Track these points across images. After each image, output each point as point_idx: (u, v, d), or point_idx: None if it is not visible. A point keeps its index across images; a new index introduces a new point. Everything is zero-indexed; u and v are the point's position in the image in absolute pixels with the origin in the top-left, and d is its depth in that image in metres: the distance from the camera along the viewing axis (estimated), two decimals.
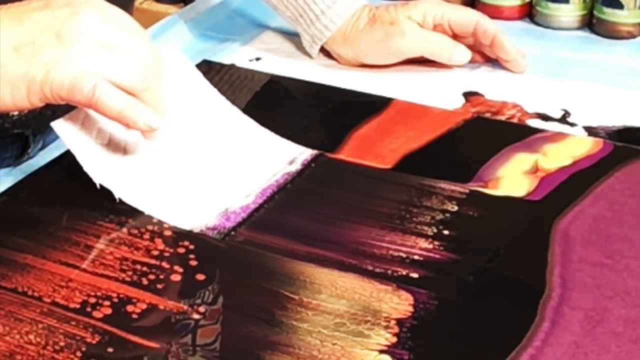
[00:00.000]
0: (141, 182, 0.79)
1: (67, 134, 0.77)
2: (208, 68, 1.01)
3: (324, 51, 1.04)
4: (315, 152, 0.86)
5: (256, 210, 0.79)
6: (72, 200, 0.79)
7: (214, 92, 0.87)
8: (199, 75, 0.87)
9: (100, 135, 0.78)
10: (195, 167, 0.81)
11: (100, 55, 0.72)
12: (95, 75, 0.71)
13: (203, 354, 0.64)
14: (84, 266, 0.72)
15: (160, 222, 0.77)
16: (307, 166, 0.84)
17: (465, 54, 1.01)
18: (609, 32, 1.10)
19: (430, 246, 0.74)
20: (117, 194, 0.77)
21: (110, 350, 0.64)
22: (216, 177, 0.81)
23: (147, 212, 0.77)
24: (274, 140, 0.86)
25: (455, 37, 1.01)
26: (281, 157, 0.85)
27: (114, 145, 0.79)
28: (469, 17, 1.01)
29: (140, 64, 0.73)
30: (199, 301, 0.69)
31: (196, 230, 0.76)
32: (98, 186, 0.77)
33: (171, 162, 0.81)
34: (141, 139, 0.77)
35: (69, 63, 0.71)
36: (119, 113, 0.73)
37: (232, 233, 0.76)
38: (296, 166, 0.84)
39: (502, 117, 0.93)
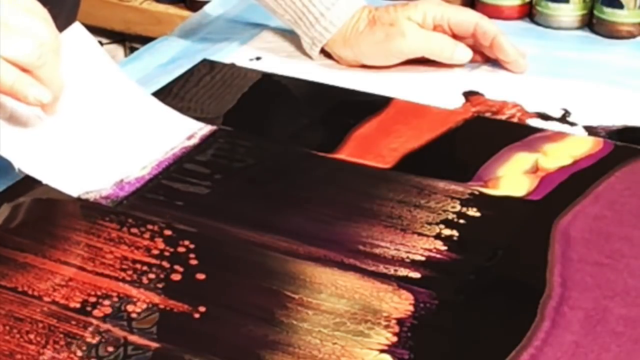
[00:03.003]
0: (40, 154, 0.80)
1: None
2: (208, 67, 1.02)
3: (324, 52, 1.04)
4: (214, 127, 0.89)
5: (150, 181, 0.81)
6: (72, 199, 0.79)
7: (116, 69, 0.89)
8: (102, 53, 0.89)
9: (1, 110, 0.80)
10: (94, 140, 0.83)
11: None
12: None
13: (203, 353, 0.64)
14: (84, 265, 0.72)
15: (160, 222, 0.77)
16: (204, 141, 0.87)
17: (466, 53, 1.01)
18: (609, 32, 1.10)
19: (431, 246, 0.74)
20: (17, 165, 0.78)
21: (110, 349, 0.64)
22: (114, 150, 0.84)
23: (44, 181, 0.79)
24: (175, 116, 0.89)
25: (455, 37, 1.01)
26: (181, 132, 0.88)
27: (15, 120, 0.80)
28: (469, 18, 1.01)
29: (36, 42, 0.75)
30: (199, 301, 0.69)
31: (91, 199, 0.79)
32: None
33: (70, 136, 0.82)
34: (42, 114, 0.80)
35: None
36: (10, 88, 0.75)
37: (124, 202, 0.79)
38: (194, 141, 0.87)
39: (502, 117, 0.93)
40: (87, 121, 0.84)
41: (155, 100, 0.90)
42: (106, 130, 0.85)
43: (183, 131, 0.88)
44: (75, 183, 0.80)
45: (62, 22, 0.79)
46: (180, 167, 0.84)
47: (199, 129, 0.89)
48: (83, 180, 0.81)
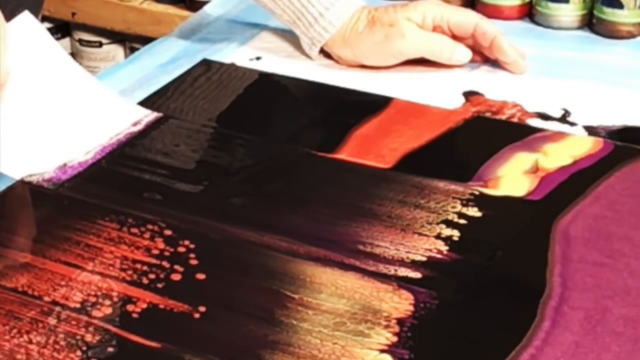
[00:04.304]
0: None
1: None
2: (208, 67, 1.02)
3: (323, 52, 1.04)
4: (160, 114, 0.91)
5: (93, 165, 0.83)
6: (72, 199, 0.79)
7: (66, 57, 0.90)
8: (52, 41, 0.89)
9: None
10: (39, 125, 0.85)
11: None
12: None
13: (203, 353, 0.64)
14: (84, 265, 0.72)
15: (160, 222, 0.77)
16: (150, 127, 0.89)
17: (466, 54, 1.01)
18: (609, 32, 1.10)
19: (431, 246, 0.74)
20: None
21: (110, 350, 0.64)
22: (59, 135, 0.85)
23: None
24: (122, 103, 0.91)
25: (454, 38, 1.01)
26: (127, 119, 0.89)
27: None
28: (468, 19, 1.01)
29: None
30: (199, 300, 0.69)
31: (34, 181, 0.80)
32: None
33: (16, 120, 0.83)
34: None
35: None
36: None
37: (65, 185, 0.80)
38: (139, 127, 0.89)
39: (502, 117, 0.93)
40: (34, 106, 0.85)
41: (102, 86, 0.91)
42: (52, 115, 0.86)
43: (129, 118, 0.90)
44: (18, 166, 0.81)
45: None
46: (123, 152, 0.85)
47: (145, 116, 0.90)
48: (27, 163, 0.82)
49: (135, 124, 0.89)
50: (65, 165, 0.83)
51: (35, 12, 0.90)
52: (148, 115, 0.91)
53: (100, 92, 0.90)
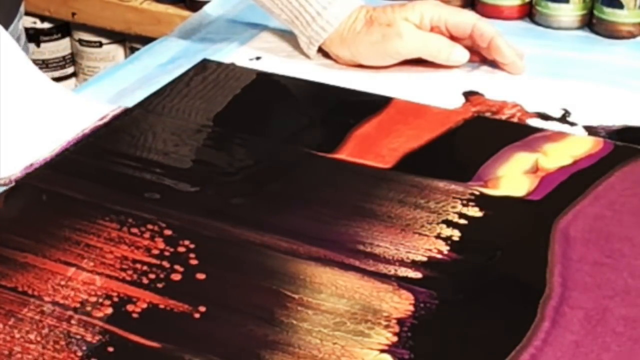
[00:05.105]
0: None
1: None
2: (207, 67, 1.02)
3: (323, 51, 1.04)
4: (126, 107, 0.92)
5: (58, 155, 0.85)
6: (72, 199, 0.79)
7: (25, 59, 0.91)
8: (12, 42, 0.90)
9: None
10: (4, 130, 0.85)
11: None
12: None
13: (203, 353, 0.64)
14: (84, 265, 0.72)
15: (160, 222, 0.77)
16: (115, 119, 0.90)
17: (463, 55, 1.01)
18: (609, 32, 1.10)
19: (431, 246, 0.74)
20: None
21: (110, 350, 0.64)
22: (25, 138, 0.86)
23: None
24: (88, 103, 0.92)
25: (452, 39, 1.01)
26: (93, 115, 0.91)
27: None
28: (466, 20, 1.01)
29: None
30: (199, 301, 0.69)
31: (1, 183, 0.82)
32: None
33: None
34: None
35: None
36: None
37: (32, 174, 0.83)
38: (105, 120, 0.90)
39: (502, 117, 0.93)
40: None
41: (68, 92, 0.93)
42: (17, 118, 0.87)
43: (95, 114, 0.91)
44: None
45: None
46: (88, 142, 0.87)
47: (111, 111, 0.91)
48: None
49: (101, 119, 0.90)
50: (32, 165, 0.84)
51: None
52: (114, 110, 0.92)
53: (66, 97, 0.92)
